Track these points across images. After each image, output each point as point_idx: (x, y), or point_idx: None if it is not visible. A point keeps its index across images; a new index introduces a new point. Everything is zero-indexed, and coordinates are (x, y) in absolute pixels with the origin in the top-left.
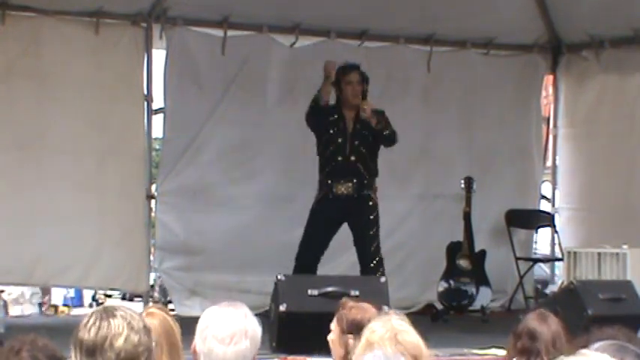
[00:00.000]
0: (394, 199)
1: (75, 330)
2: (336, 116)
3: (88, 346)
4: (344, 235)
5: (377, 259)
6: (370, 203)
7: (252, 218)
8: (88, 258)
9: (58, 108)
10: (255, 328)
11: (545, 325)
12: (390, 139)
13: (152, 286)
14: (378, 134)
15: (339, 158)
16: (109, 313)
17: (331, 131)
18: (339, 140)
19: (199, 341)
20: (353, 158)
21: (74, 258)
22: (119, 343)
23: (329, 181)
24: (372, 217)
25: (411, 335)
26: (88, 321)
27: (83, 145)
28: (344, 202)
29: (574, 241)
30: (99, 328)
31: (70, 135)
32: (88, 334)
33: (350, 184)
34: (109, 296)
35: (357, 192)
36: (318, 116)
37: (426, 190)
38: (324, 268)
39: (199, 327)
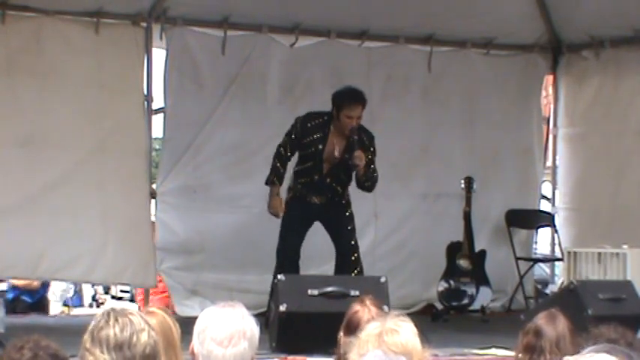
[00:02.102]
0: (396, 198)
1: (93, 329)
2: (320, 134)
3: (117, 342)
4: None
5: (357, 254)
6: (343, 202)
7: (253, 218)
8: (93, 252)
9: (60, 106)
10: (253, 328)
11: (551, 325)
12: (367, 189)
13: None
14: (358, 181)
15: (316, 177)
16: (124, 311)
17: (311, 149)
18: (318, 161)
19: (197, 343)
20: (329, 180)
21: (79, 252)
22: (144, 337)
23: (303, 191)
24: (347, 213)
25: (400, 335)
26: (108, 319)
27: (85, 143)
28: (317, 206)
29: (570, 240)
30: (123, 324)
31: (72, 132)
32: (113, 330)
33: (324, 197)
34: (120, 298)
35: (330, 201)
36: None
37: (427, 190)
38: (324, 268)
39: (197, 329)
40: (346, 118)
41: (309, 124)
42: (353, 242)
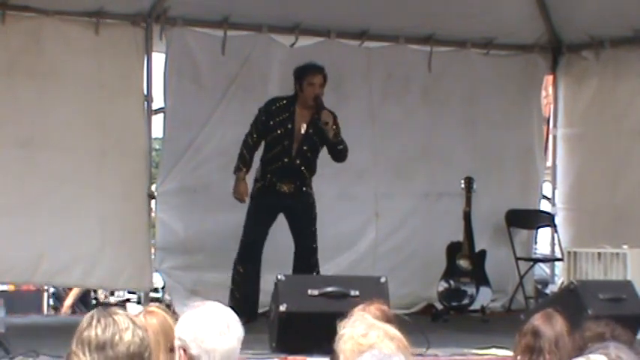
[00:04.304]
0: (397, 197)
1: (78, 331)
2: (286, 115)
3: (98, 342)
4: (343, 234)
5: (315, 256)
6: (310, 200)
7: None
8: (91, 257)
9: (60, 107)
10: (234, 317)
11: (549, 325)
12: (341, 155)
13: (163, 287)
14: (331, 147)
15: (285, 160)
16: (110, 311)
17: (278, 131)
18: (286, 143)
19: (194, 345)
20: (298, 162)
21: (76, 257)
22: (128, 336)
23: (272, 179)
24: (313, 214)
25: (394, 329)
26: (91, 320)
27: (84, 144)
28: (285, 196)
29: (569, 240)
30: (105, 325)
31: (71, 134)
32: (95, 331)
33: (292, 185)
34: (128, 300)
35: (298, 190)
36: (260, 137)
37: (428, 189)
38: (323, 268)
39: (188, 333)
40: (308, 86)
41: (273, 107)
42: (315, 245)
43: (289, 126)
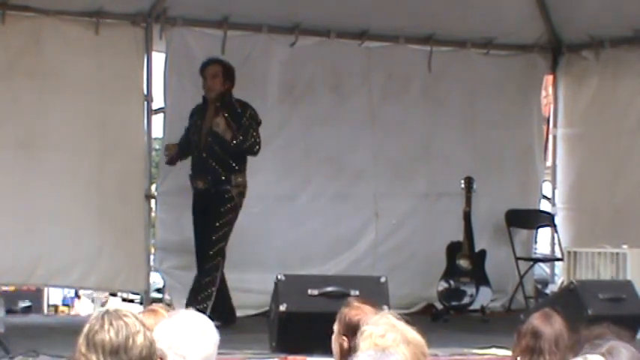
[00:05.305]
0: (397, 198)
1: (87, 333)
2: (200, 113)
3: (112, 347)
4: (343, 234)
5: (216, 248)
6: (226, 196)
7: (253, 217)
8: (88, 258)
9: (59, 107)
10: (209, 322)
11: (548, 325)
12: (236, 149)
13: (163, 287)
14: (229, 147)
15: (195, 154)
16: (119, 313)
17: (193, 129)
18: (195, 138)
19: (171, 353)
20: (204, 155)
21: (74, 258)
22: (140, 340)
23: (191, 177)
24: (223, 209)
25: (414, 333)
26: (102, 323)
27: (83, 145)
28: (202, 195)
29: (569, 240)
30: (118, 328)
31: (71, 134)
32: (108, 335)
33: (205, 180)
34: (132, 300)
35: (213, 187)
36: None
37: (428, 189)
38: (324, 267)
39: (164, 341)
40: (204, 80)
41: (194, 108)
42: (214, 237)
43: (198, 122)
